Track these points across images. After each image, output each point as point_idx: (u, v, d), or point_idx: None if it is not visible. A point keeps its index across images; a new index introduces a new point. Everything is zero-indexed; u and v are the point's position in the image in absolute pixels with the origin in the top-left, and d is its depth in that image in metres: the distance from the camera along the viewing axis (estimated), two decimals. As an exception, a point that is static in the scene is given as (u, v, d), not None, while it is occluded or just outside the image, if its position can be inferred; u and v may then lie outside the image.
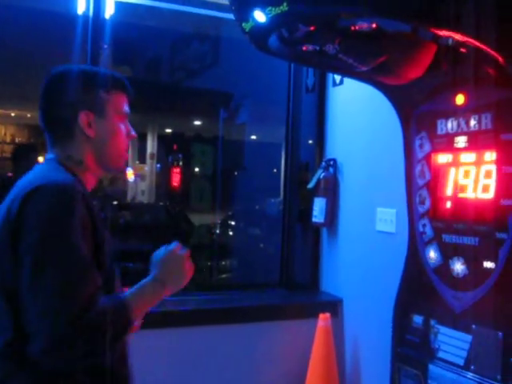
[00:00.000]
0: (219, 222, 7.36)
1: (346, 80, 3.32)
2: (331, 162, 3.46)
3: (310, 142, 3.69)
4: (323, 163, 3.49)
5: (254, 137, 8.29)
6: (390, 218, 2.95)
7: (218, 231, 7.37)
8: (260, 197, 6.34)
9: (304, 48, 2.16)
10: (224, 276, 6.42)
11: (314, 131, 3.65)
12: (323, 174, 3.44)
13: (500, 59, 1.89)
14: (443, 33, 1.93)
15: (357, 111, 3.29)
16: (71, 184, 1.49)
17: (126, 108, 1.72)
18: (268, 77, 4.15)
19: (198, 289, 3.96)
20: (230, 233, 7.35)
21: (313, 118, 3.65)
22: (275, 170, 6.17)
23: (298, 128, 3.71)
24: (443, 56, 2.16)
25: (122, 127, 1.69)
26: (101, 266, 1.51)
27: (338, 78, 3.46)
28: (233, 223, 7.31)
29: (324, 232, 3.60)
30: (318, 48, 2.13)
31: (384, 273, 2.93)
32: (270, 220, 5.88)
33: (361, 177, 3.25)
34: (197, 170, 8.45)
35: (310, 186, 3.48)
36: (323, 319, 3.19)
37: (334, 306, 3.35)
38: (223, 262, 6.54)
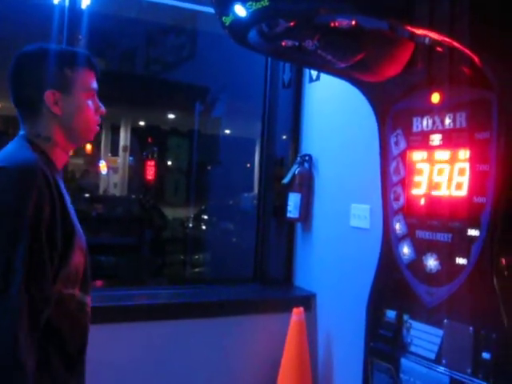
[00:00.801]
0: (193, 216, 7.35)
1: (323, 76, 3.33)
2: (306, 158, 3.47)
3: (285, 137, 3.70)
4: (298, 158, 3.50)
5: (229, 131, 8.28)
6: (364, 214, 2.97)
7: (191, 225, 7.36)
8: (234, 191, 6.34)
9: (283, 43, 2.16)
10: (197, 270, 6.41)
11: (289, 126, 3.65)
12: (298, 170, 3.45)
13: (475, 59, 1.91)
14: (420, 31, 1.95)
15: (333, 107, 3.31)
16: (32, 165, 1.51)
17: (94, 84, 1.72)
18: (244, 71, 4.14)
19: (170, 282, 3.96)
20: (204, 227, 7.34)
21: (289, 113, 3.65)
22: (249, 165, 6.17)
23: (273, 123, 3.71)
24: (420, 54, 2.18)
25: (90, 104, 1.70)
26: (70, 237, 1.55)
27: (314, 73, 3.46)
28: (207, 217, 7.31)
29: (298, 227, 3.62)
30: (297, 44, 2.14)
31: (358, 268, 2.95)
32: (244, 215, 5.88)
33: (336, 173, 3.27)
34: (171, 163, 8.41)
35: (285, 181, 3.49)
36: (297, 314, 3.20)
37: (307, 301, 3.37)
38: (196, 256, 6.53)
